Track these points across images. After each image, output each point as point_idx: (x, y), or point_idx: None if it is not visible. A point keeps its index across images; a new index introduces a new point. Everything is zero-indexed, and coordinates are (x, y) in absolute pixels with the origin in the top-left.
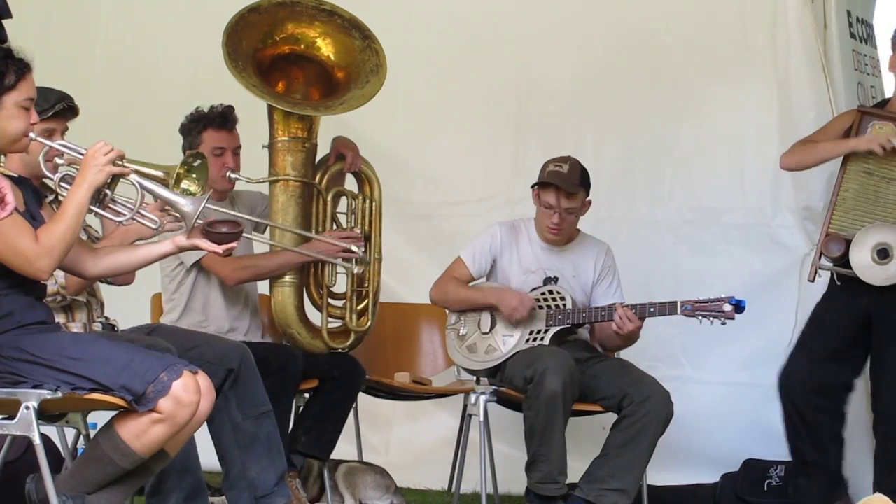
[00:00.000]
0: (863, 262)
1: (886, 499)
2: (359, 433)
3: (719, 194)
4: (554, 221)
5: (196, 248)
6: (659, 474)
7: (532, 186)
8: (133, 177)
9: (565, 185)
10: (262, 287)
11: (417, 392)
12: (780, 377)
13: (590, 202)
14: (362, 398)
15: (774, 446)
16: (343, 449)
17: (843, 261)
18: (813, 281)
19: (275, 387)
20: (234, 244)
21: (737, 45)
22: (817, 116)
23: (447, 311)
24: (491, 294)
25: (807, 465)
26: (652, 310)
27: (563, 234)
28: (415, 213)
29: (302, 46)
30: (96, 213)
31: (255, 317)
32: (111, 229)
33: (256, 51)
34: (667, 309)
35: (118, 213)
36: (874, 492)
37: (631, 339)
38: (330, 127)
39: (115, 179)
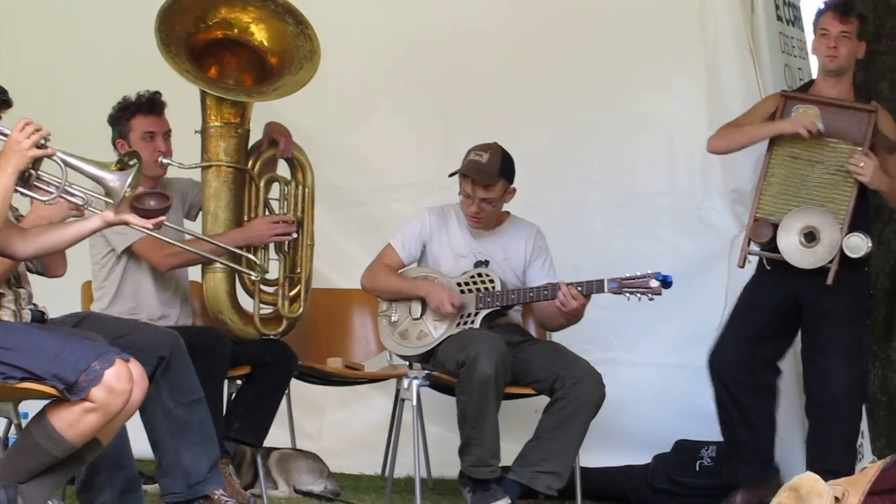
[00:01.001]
0: (791, 247)
1: (817, 477)
2: (291, 419)
3: (649, 178)
4: (472, 211)
5: (125, 223)
6: (591, 456)
7: (450, 175)
8: (58, 154)
9: (480, 176)
10: (194, 273)
11: (350, 377)
12: (709, 358)
13: (514, 190)
14: (294, 384)
15: (706, 427)
16: (276, 435)
17: (772, 245)
18: (743, 266)
19: (203, 371)
20: (162, 218)
21: (665, 29)
22: (745, 99)
23: (378, 299)
24: (420, 288)
25: (739, 446)
26: (579, 288)
27: (483, 223)
28: (346, 199)
29: (235, 31)
30: (23, 194)
31: (185, 304)
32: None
33: (189, 35)
34: (594, 287)
35: (44, 193)
36: None
37: (575, 316)
38: (262, 112)
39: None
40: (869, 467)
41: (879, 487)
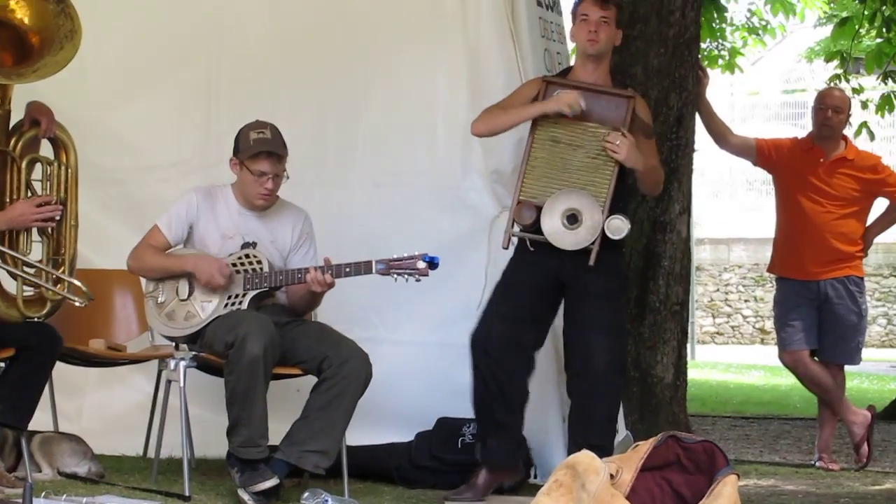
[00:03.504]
0: (554, 228)
1: (593, 455)
2: (53, 401)
3: (410, 158)
4: (268, 187)
5: None
6: (355, 434)
7: (241, 159)
8: None
9: (278, 148)
10: None
11: (113, 358)
12: (472, 339)
13: None
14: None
15: (467, 405)
16: (35, 417)
17: (535, 227)
18: (507, 248)
19: None
20: None
21: (427, 10)
22: (506, 82)
23: (144, 280)
24: (187, 262)
25: (498, 427)
26: (348, 270)
27: (273, 198)
28: (107, 179)
29: None
30: None
31: None
32: None
33: None
34: (362, 268)
35: None
36: (568, 453)
37: (315, 302)
38: (23, 92)
39: None
40: (641, 444)
41: (651, 464)
